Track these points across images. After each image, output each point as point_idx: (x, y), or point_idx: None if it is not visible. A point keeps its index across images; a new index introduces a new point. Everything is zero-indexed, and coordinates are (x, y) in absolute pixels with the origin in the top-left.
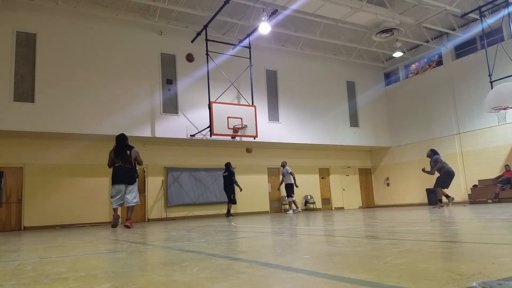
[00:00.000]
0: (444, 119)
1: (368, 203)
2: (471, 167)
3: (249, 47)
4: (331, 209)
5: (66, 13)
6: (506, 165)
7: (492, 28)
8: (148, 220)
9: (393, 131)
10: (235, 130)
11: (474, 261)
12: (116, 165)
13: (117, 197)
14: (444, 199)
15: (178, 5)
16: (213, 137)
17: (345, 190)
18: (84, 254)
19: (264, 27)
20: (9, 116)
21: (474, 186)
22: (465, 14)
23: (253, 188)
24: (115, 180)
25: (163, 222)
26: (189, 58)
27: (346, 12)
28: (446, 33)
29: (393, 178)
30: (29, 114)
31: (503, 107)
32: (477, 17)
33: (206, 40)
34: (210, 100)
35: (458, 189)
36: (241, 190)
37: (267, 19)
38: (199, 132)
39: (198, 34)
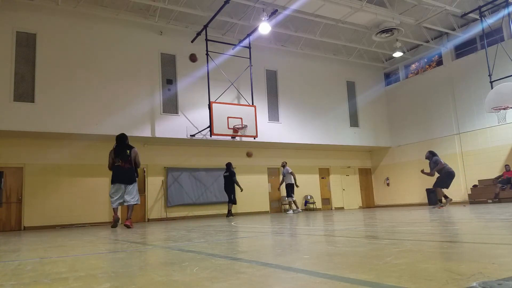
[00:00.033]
0: (444, 119)
1: (368, 203)
2: (471, 167)
3: (249, 47)
4: (331, 209)
5: (66, 13)
6: (506, 165)
7: (492, 28)
8: (148, 220)
9: (393, 131)
10: (235, 130)
11: (474, 261)
12: (116, 164)
13: (117, 197)
14: (442, 199)
15: (178, 5)
16: (213, 137)
17: (345, 190)
18: (84, 254)
19: (264, 27)
20: (9, 116)
21: (474, 186)
22: (465, 14)
23: (253, 188)
24: (114, 180)
25: (163, 222)
26: (193, 58)
27: (346, 12)
28: (446, 33)
29: (393, 178)
30: (29, 114)
31: (503, 107)
32: (477, 17)
33: (206, 40)
34: (210, 100)
35: (458, 189)
36: (241, 190)
37: (267, 19)
38: (199, 132)
39: (198, 34)
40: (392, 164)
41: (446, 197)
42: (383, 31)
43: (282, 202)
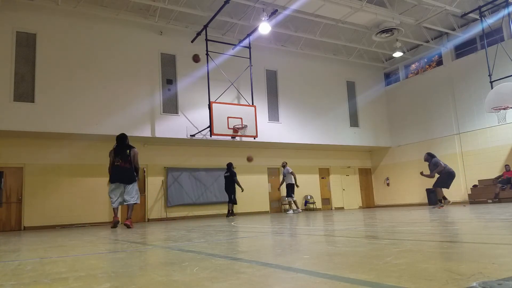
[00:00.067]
0: (444, 119)
1: (368, 203)
2: (471, 167)
3: (249, 47)
4: (331, 209)
5: (66, 13)
6: (506, 165)
7: (492, 28)
8: (148, 220)
9: (393, 131)
10: (235, 130)
11: (474, 261)
12: (115, 164)
13: (116, 196)
14: (442, 199)
15: (178, 5)
16: (213, 137)
17: (345, 190)
18: (84, 254)
19: (264, 27)
20: (9, 116)
21: (474, 186)
22: (465, 14)
23: (253, 188)
24: (114, 179)
25: (163, 222)
26: (195, 58)
27: (346, 12)
28: (446, 33)
29: (393, 178)
30: (29, 114)
31: (503, 107)
32: (477, 17)
33: (206, 40)
34: (210, 100)
35: (458, 189)
36: (242, 190)
37: (267, 19)
38: (199, 132)
39: (198, 34)
40: (392, 164)
41: (444, 198)
42: (383, 31)
43: (282, 202)
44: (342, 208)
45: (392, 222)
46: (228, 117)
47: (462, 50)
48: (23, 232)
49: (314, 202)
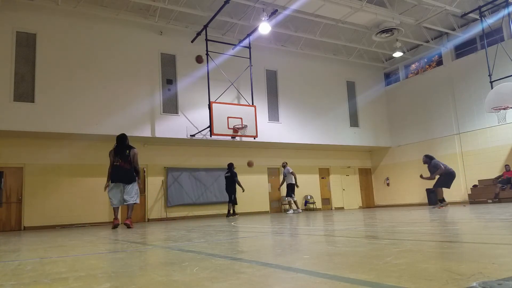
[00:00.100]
0: (444, 119)
1: (368, 203)
2: (471, 167)
3: (249, 47)
4: (331, 209)
5: (66, 13)
6: (506, 165)
7: (492, 28)
8: (148, 220)
9: (393, 131)
10: (235, 130)
11: (474, 261)
12: (115, 164)
13: (115, 196)
14: (443, 199)
15: (178, 5)
16: (213, 137)
17: (345, 190)
18: (84, 254)
19: (264, 27)
20: (9, 116)
21: (474, 186)
22: (465, 14)
23: (253, 188)
24: (113, 179)
25: (163, 222)
26: (199, 59)
27: (346, 12)
28: (446, 33)
29: (393, 178)
30: (29, 114)
31: (503, 107)
32: (477, 17)
33: (206, 40)
34: (210, 100)
35: (458, 189)
36: (243, 190)
37: (267, 19)
38: (199, 132)
39: (198, 34)
40: (392, 164)
41: (443, 200)
42: (383, 31)
43: (282, 202)
44: (342, 208)
45: (392, 222)
46: (228, 117)
47: (462, 50)
48: (23, 232)
49: (314, 202)
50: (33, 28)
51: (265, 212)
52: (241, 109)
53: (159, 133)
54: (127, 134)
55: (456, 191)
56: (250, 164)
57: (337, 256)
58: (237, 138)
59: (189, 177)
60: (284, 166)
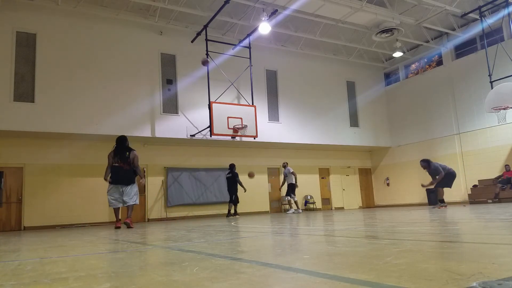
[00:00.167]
0: (444, 119)
1: (368, 203)
2: (471, 167)
3: (249, 47)
4: (331, 209)
5: (66, 13)
6: (506, 165)
7: (492, 28)
8: (148, 220)
9: (393, 131)
10: (235, 130)
11: (474, 261)
12: (114, 165)
13: (115, 197)
14: (444, 199)
15: (178, 5)
16: (213, 137)
17: (345, 190)
18: (84, 254)
19: (264, 27)
20: (9, 116)
21: (474, 186)
22: (465, 14)
23: (253, 188)
24: (113, 180)
25: (163, 222)
26: (204, 62)
27: (346, 12)
28: (446, 33)
29: (393, 178)
30: (29, 114)
31: (503, 107)
32: (477, 17)
33: (206, 40)
34: (210, 100)
35: (458, 189)
36: (245, 191)
37: (267, 19)
38: (199, 132)
39: (198, 34)
40: (392, 164)
41: (443, 200)
42: (383, 31)
43: (282, 202)
44: (342, 208)
45: (392, 222)
46: (228, 117)
47: (462, 50)
48: (23, 232)
49: (314, 202)
50: (33, 28)
51: (265, 212)
52: (241, 109)
53: (159, 133)
54: (127, 134)
55: (456, 191)
56: (251, 175)
57: (337, 256)
58: (237, 138)
59: (189, 177)
60: (284, 166)
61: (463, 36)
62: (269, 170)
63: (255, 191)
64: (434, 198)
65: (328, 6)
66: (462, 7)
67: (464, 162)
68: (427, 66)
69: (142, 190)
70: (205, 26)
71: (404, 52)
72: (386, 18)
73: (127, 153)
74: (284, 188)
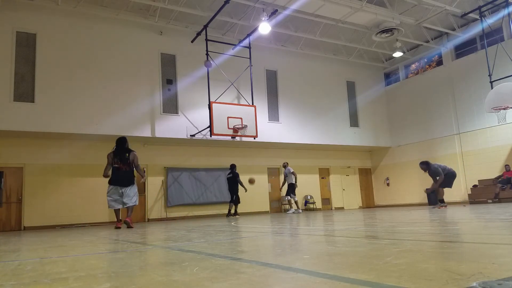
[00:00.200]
0: (444, 119)
1: (368, 203)
2: (471, 167)
3: (249, 47)
4: (331, 209)
5: (66, 13)
6: (506, 165)
7: (492, 28)
8: (148, 220)
9: (393, 131)
10: (235, 130)
11: (474, 261)
12: (114, 166)
13: (114, 198)
14: (444, 199)
15: (178, 5)
16: (213, 137)
17: (345, 190)
18: (84, 254)
19: (264, 27)
20: (9, 116)
21: (474, 186)
22: (465, 14)
23: (253, 188)
24: (113, 181)
25: (163, 222)
26: (207, 64)
27: (346, 12)
28: (446, 33)
29: (393, 178)
30: (29, 114)
31: (503, 107)
32: (477, 17)
33: (206, 40)
34: (210, 100)
35: (458, 189)
36: (246, 191)
37: (267, 19)
38: (199, 132)
39: (198, 34)
40: (392, 164)
41: (443, 200)
42: (383, 31)
43: (282, 202)
44: (342, 208)
45: (392, 222)
46: (228, 117)
47: (462, 50)
48: (23, 232)
49: (314, 202)
50: (33, 28)
51: (265, 212)
52: (241, 109)
53: (159, 133)
54: (127, 134)
55: (456, 191)
56: (251, 182)
57: (337, 256)
58: (237, 138)
59: (189, 177)
60: (285, 166)
61: (463, 36)
62: (269, 170)
63: (255, 191)
64: (434, 198)
65: (328, 6)
66: (462, 7)
67: (464, 162)
68: (427, 66)
69: (142, 190)
70: (205, 26)
71: (404, 52)
72: (386, 18)
73: (127, 154)
74: (284, 188)
